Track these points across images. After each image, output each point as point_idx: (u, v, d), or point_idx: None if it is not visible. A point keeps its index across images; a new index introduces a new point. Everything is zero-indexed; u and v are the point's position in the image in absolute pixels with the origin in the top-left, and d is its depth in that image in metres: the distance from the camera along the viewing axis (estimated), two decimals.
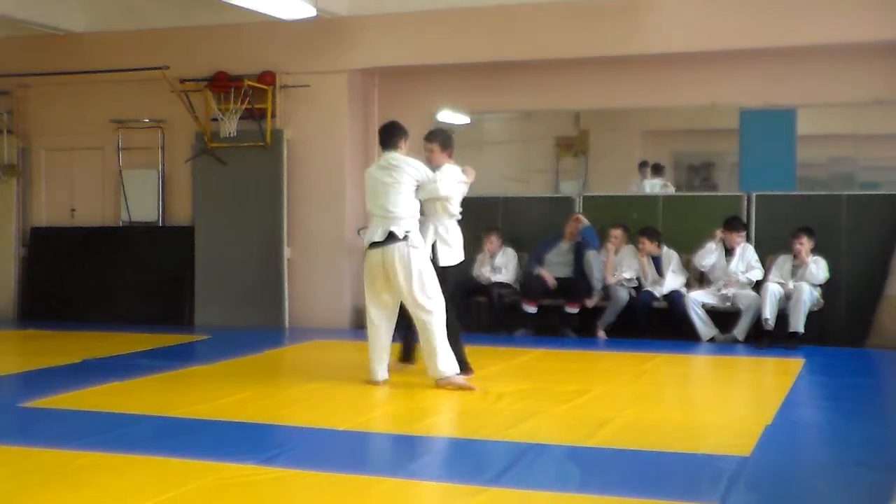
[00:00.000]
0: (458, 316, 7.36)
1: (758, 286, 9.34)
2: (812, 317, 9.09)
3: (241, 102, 10.55)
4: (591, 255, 9.95)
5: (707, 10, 9.60)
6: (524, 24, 10.05)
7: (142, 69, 10.79)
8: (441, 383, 6.90)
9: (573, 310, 9.91)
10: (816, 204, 9.74)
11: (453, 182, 7.21)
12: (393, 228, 6.89)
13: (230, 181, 10.89)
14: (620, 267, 9.89)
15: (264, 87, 10.62)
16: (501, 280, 10.16)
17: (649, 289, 9.71)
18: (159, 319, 10.97)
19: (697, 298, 9.46)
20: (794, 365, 8.08)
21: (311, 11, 9.68)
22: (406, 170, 6.99)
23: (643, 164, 10.81)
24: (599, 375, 7.67)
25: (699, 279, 9.84)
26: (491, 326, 10.09)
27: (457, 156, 7.51)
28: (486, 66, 10.45)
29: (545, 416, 6.05)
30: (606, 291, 9.86)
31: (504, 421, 5.93)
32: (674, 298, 9.56)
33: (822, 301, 9.22)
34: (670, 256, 9.80)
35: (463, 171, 7.35)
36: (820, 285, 9.21)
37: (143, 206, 11.41)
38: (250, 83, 10.51)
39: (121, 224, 11.55)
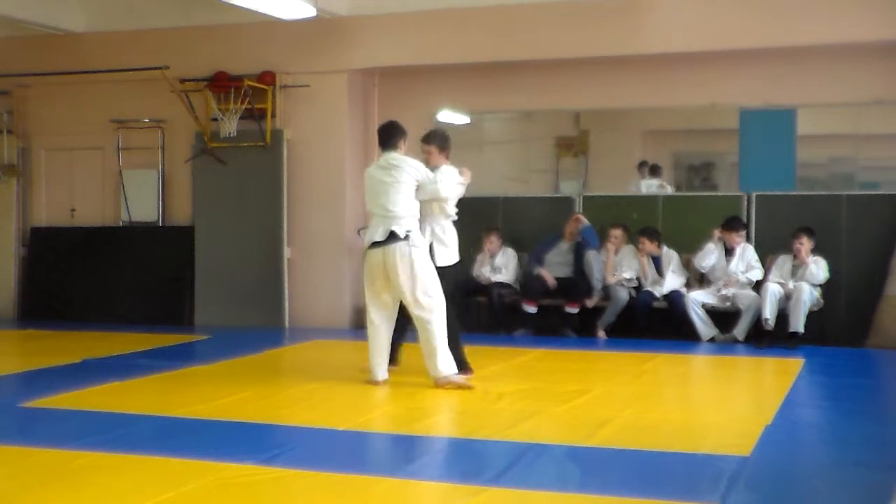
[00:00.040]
0: (458, 316, 7.36)
1: (758, 286, 9.34)
2: (812, 317, 9.09)
3: (241, 102, 10.55)
4: (591, 255, 9.95)
5: (707, 10, 9.60)
6: (524, 24, 10.05)
7: (142, 69, 10.80)
8: (440, 383, 6.90)
9: (573, 310, 9.91)
10: (816, 204, 9.74)
11: (453, 183, 7.22)
12: (394, 228, 6.89)
13: (230, 181, 10.89)
14: (620, 267, 9.89)
15: (264, 87, 10.63)
16: (501, 280, 10.16)
17: (649, 289, 9.71)
18: (159, 319, 10.97)
19: (697, 298, 9.46)
20: (794, 365, 8.08)
21: (311, 11, 9.68)
22: (406, 169, 7.00)
23: (642, 164, 10.81)
24: (599, 375, 7.67)
25: (699, 279, 9.83)
26: (491, 326, 10.09)
27: (457, 156, 7.52)
28: (486, 66, 10.45)
29: (545, 416, 6.05)
30: (606, 291, 9.86)
31: (504, 421, 5.93)
32: (674, 298, 9.56)
33: (822, 301, 9.22)
34: (670, 256, 9.80)
35: (460, 172, 7.35)
36: (820, 285, 9.20)
37: (143, 206, 11.41)
38: (250, 83, 10.51)
39: (121, 224, 11.55)
